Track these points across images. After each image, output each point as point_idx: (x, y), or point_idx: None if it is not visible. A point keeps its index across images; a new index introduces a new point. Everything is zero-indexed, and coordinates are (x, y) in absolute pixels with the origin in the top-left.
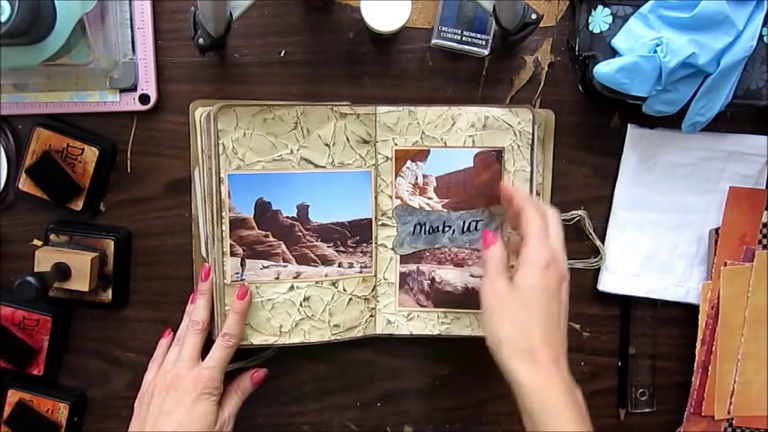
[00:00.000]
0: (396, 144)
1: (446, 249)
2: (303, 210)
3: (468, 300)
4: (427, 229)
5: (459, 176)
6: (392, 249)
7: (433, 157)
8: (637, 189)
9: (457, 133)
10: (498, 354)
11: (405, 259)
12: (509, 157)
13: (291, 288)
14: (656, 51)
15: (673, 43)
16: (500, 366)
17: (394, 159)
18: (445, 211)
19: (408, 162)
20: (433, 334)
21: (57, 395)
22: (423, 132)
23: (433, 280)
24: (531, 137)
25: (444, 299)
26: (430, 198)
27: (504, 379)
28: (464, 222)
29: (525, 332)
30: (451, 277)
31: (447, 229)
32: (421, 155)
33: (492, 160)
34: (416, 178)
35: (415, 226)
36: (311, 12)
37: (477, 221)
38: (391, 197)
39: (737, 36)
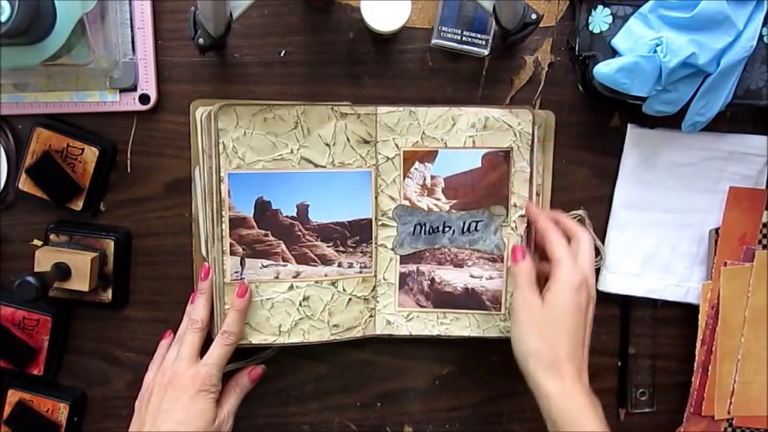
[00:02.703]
0: (396, 145)
1: (446, 250)
2: (303, 209)
3: (467, 300)
4: (427, 229)
5: (467, 177)
6: (392, 249)
7: (441, 158)
8: (637, 189)
9: (457, 134)
10: (525, 364)
11: (404, 259)
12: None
13: (291, 287)
14: (656, 51)
15: (673, 43)
16: (525, 375)
17: (402, 160)
18: (446, 211)
19: (417, 163)
20: (433, 334)
21: (57, 395)
22: (423, 133)
23: (432, 280)
24: (530, 138)
25: (444, 299)
26: (438, 199)
27: (529, 386)
28: (464, 223)
29: (552, 346)
30: (451, 278)
31: (447, 229)
32: (429, 156)
33: (500, 160)
34: (425, 179)
35: (415, 226)
36: (311, 12)
37: (477, 222)
38: (392, 198)
39: (737, 36)
